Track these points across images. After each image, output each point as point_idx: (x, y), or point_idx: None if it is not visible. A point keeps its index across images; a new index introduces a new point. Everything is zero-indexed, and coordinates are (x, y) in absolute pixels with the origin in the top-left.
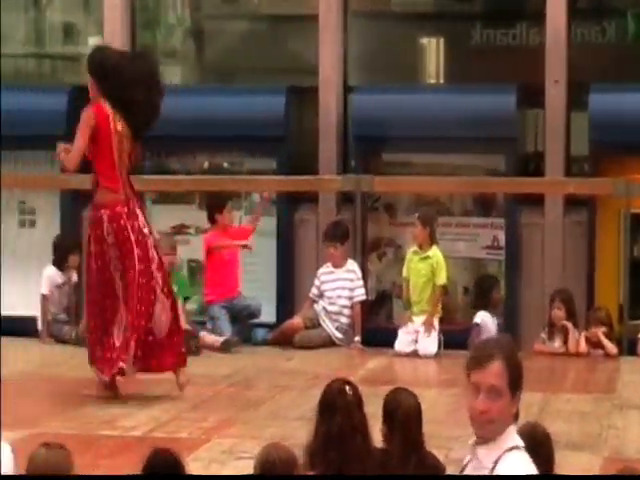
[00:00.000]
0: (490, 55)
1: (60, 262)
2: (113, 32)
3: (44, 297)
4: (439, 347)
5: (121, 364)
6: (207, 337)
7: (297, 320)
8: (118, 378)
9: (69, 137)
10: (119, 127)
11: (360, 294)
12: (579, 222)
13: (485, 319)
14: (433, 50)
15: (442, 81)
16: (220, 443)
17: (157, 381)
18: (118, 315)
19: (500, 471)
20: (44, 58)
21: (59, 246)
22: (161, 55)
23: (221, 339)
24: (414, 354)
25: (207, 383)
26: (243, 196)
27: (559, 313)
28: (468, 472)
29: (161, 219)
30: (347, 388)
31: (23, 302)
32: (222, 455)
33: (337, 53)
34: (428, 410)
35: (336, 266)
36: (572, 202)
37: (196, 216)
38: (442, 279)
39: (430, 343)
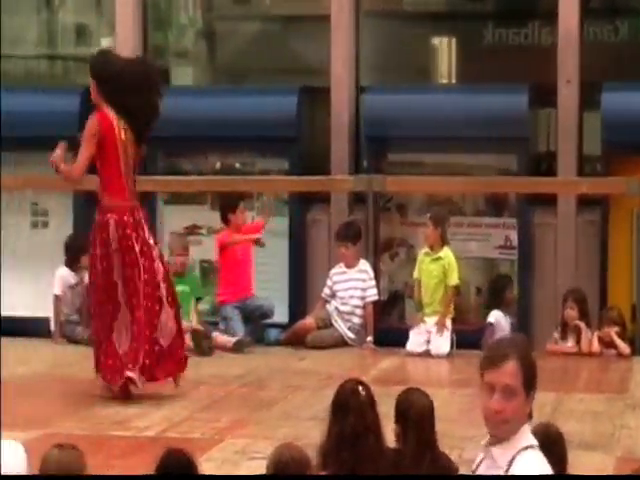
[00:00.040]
0: (502, 55)
1: (72, 263)
2: (125, 33)
3: (57, 298)
4: (452, 347)
5: (128, 373)
6: (220, 337)
7: (309, 320)
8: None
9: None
10: (123, 135)
11: (372, 294)
12: (592, 222)
13: (499, 318)
14: (445, 50)
15: (454, 81)
16: (233, 443)
17: (170, 382)
18: (117, 322)
19: (516, 470)
20: (56, 59)
21: (71, 247)
22: (173, 56)
23: (234, 339)
24: (426, 354)
25: (220, 383)
26: (255, 196)
27: (572, 313)
28: (481, 472)
29: (173, 220)
30: (360, 388)
31: (36, 303)
32: (235, 455)
33: (349, 53)
34: (441, 410)
35: (348, 266)
36: (585, 202)
37: (208, 217)
38: (454, 280)
39: (443, 343)
